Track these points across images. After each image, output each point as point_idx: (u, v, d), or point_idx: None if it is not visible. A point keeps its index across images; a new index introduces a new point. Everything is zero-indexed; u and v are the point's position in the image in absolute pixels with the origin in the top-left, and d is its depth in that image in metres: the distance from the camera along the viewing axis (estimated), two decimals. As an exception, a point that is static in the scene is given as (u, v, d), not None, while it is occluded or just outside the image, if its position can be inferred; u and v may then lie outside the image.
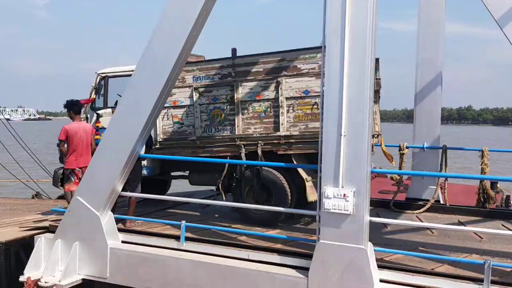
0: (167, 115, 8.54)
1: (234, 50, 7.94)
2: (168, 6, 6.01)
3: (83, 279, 6.45)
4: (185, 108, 8.37)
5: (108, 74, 9.52)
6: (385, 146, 8.01)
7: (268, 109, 7.75)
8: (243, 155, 7.84)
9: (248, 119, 7.86)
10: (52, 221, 7.63)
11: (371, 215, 5.11)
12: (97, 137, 8.74)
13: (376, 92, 8.25)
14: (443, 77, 9.05)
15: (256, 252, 5.87)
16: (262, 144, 7.69)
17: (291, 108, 7.61)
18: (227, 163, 7.84)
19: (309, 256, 5.35)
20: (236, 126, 7.92)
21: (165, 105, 8.06)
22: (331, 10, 5.09)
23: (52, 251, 6.55)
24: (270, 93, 7.69)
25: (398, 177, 9.27)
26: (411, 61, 10.60)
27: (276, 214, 7.36)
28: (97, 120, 9.41)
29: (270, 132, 7.68)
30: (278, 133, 7.62)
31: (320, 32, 5.30)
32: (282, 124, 7.59)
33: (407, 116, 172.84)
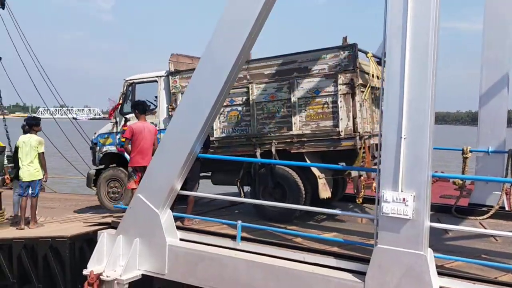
0: None
1: (249, 55, 8.01)
2: (227, 7, 6.08)
3: (142, 275, 6.64)
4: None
5: (135, 81, 10.00)
6: (448, 149, 7.80)
7: (282, 109, 8.01)
8: (258, 154, 8.12)
9: (263, 119, 8.14)
10: (114, 217, 7.92)
11: (431, 221, 4.96)
12: (123, 139, 9.12)
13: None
14: (510, 78, 8.65)
15: (311, 255, 5.83)
16: (276, 143, 7.94)
17: (303, 107, 7.87)
18: (247, 161, 8.04)
19: (366, 260, 5.25)
20: (251, 126, 8.24)
21: None
22: (392, 9, 4.98)
23: (114, 246, 6.79)
24: (283, 94, 7.96)
25: (461, 182, 8.94)
26: (476, 61, 10.26)
27: (291, 211, 7.58)
28: (125, 124, 9.88)
29: (283, 132, 7.93)
30: (291, 132, 7.86)
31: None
32: (294, 123, 7.84)
33: (471, 119, 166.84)
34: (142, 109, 8.32)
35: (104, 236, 7.06)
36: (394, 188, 4.92)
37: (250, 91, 8.23)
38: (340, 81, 7.48)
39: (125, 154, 9.43)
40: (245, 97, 8.31)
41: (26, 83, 17.78)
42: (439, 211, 8.33)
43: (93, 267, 6.77)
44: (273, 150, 7.92)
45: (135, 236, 6.69)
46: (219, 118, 8.50)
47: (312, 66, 7.71)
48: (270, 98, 8.11)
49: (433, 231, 5.03)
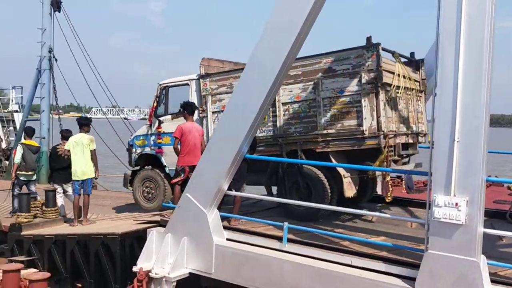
0: (218, 119, 9.14)
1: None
2: (276, 10, 6.09)
3: (190, 273, 6.74)
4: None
5: (168, 84, 10.26)
6: (503, 153, 7.53)
7: (307, 109, 8.13)
8: (284, 153, 8.27)
9: (289, 120, 8.29)
10: (163, 215, 8.08)
11: (485, 226, 4.80)
12: (159, 141, 10.19)
13: (423, 92, 8.99)
14: None
15: (359, 258, 5.76)
16: (302, 142, 8.07)
17: (327, 107, 7.97)
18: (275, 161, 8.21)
19: (416, 266, 5.14)
20: (277, 126, 8.40)
21: (215, 109, 9.27)
22: (445, 9, 4.85)
23: (163, 244, 6.92)
24: (308, 94, 8.10)
25: (516, 187, 8.61)
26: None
27: (316, 210, 7.57)
28: (159, 126, 10.24)
29: (308, 131, 8.05)
30: (316, 132, 7.97)
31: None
32: (319, 123, 7.95)
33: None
34: (191, 110, 8.50)
35: (153, 234, 7.21)
36: (446, 193, 4.79)
37: (278, 91, 8.19)
38: (363, 81, 7.53)
39: (160, 155, 10.11)
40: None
41: (80, 84, 18.42)
42: (493, 216, 8.03)
43: (142, 264, 6.93)
44: (299, 149, 8.07)
45: (183, 234, 6.80)
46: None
47: (337, 66, 7.81)
48: (295, 99, 8.24)
49: (486, 237, 4.86)
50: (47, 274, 7.76)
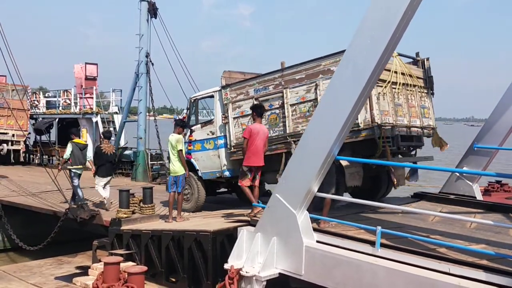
0: (237, 124, 10.30)
1: (282, 64, 9.54)
2: (371, 7, 5.92)
3: (279, 273, 6.75)
4: (249, 116, 9.75)
5: (197, 97, 11.58)
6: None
7: (311, 109, 8.92)
8: (293, 150, 8.38)
9: (296, 119, 9.19)
10: (253, 215, 8.17)
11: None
12: (190, 147, 11.17)
13: (430, 89, 9.73)
14: None
15: (457, 266, 5.47)
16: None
17: None
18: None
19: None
20: (287, 126, 9.31)
21: (235, 115, 10.33)
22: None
23: (253, 243, 7.00)
24: (311, 95, 8.98)
25: None
26: None
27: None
28: (190, 134, 11.28)
29: None
30: None
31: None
32: None
33: None
34: (260, 112, 8.98)
35: (243, 233, 7.31)
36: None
37: (285, 95, 9.33)
38: None
39: (193, 161, 11.04)
40: (281, 101, 9.46)
41: (173, 87, 19.18)
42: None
43: (233, 262, 7.06)
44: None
45: (273, 235, 6.83)
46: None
47: (334, 68, 8.30)
48: (301, 100, 9.13)
49: None
50: (144, 268, 8.17)
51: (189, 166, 10.81)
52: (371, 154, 8.53)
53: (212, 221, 9.29)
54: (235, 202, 12.24)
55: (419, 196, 10.05)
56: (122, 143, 21.23)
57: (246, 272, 6.75)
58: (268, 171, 9.36)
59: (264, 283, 6.68)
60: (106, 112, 24.18)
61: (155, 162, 19.56)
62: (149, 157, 19.19)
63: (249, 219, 8.14)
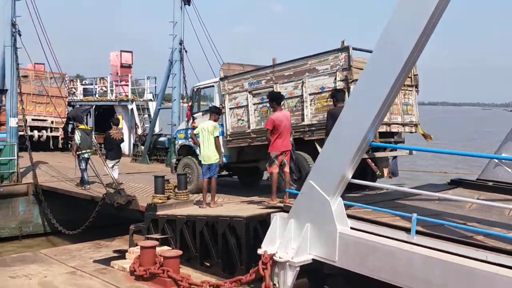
0: (233, 114, 11.14)
1: (274, 60, 10.33)
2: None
3: (313, 259, 6.76)
4: (244, 108, 10.79)
5: (200, 87, 12.58)
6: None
7: (297, 104, 9.74)
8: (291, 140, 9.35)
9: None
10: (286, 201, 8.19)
11: None
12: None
13: (415, 87, 10.18)
14: None
15: (495, 254, 5.32)
16: (293, 132, 9.32)
17: (312, 102, 9.51)
18: None
19: None
20: None
21: (231, 106, 11.15)
22: None
23: (286, 229, 7.03)
24: (298, 91, 9.72)
25: None
26: None
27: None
28: (193, 121, 12.23)
29: (298, 123, 9.61)
30: (303, 123, 9.60)
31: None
32: (306, 115, 9.56)
33: None
34: (279, 101, 9.11)
35: (276, 219, 7.34)
36: None
37: (275, 90, 9.92)
38: (338, 78, 9.01)
39: (194, 145, 11.53)
40: None
41: (206, 74, 19.24)
42: None
43: (266, 247, 7.10)
44: (291, 139, 9.12)
45: (306, 221, 6.83)
46: (254, 113, 10.59)
47: (319, 67, 9.36)
48: (289, 95, 9.80)
49: None
50: (179, 252, 8.31)
51: (190, 151, 12.28)
52: None
53: (245, 207, 9.35)
54: (237, 185, 13.13)
55: (456, 183, 9.85)
56: (156, 130, 21.51)
57: (280, 258, 6.79)
58: (260, 159, 10.20)
59: (298, 268, 6.70)
60: (141, 99, 24.54)
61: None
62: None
63: (282, 205, 8.17)
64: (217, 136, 9.90)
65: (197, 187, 11.56)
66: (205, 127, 9.87)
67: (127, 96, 24.30)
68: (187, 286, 7.59)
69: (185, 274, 7.92)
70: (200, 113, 12.17)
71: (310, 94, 9.53)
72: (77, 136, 13.42)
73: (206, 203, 9.81)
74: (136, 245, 9.02)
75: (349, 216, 6.72)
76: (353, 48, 8.96)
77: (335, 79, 9.05)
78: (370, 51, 8.68)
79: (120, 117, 23.69)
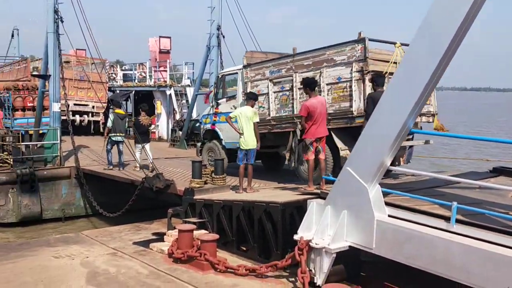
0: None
1: (294, 49, 10.57)
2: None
3: (349, 246, 6.73)
4: (265, 96, 11.07)
5: (225, 73, 13.14)
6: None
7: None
8: (298, 130, 10.01)
9: (302, 102, 9.64)
10: (323, 188, 8.15)
11: None
12: (215, 118, 12.87)
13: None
14: None
15: (539, 245, 5.19)
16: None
17: (329, 91, 9.69)
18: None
19: None
20: (294, 107, 10.32)
21: None
22: None
23: (323, 216, 7.01)
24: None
25: None
26: None
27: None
28: (216, 107, 12.84)
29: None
30: None
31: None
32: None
33: None
34: (314, 87, 9.05)
35: (313, 206, 7.34)
36: None
37: (294, 79, 10.28)
38: (354, 69, 9.16)
39: (218, 131, 12.71)
40: (291, 84, 10.44)
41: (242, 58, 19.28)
42: None
43: (302, 233, 7.12)
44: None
45: (343, 208, 6.80)
46: (274, 101, 10.88)
47: (337, 57, 9.54)
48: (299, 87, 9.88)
49: None
50: (216, 236, 8.43)
51: (214, 135, 12.95)
52: None
53: (281, 193, 9.38)
54: (260, 169, 13.33)
55: (498, 171, 9.62)
56: (194, 115, 21.72)
57: (316, 244, 6.79)
58: (280, 145, 10.58)
59: (334, 255, 6.69)
60: (179, 85, 24.79)
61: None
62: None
63: (318, 192, 8.15)
64: (257, 122, 9.92)
65: (222, 169, 11.61)
66: (243, 112, 9.89)
67: (165, 81, 24.59)
68: (223, 269, 7.69)
69: (221, 258, 8.04)
70: (224, 99, 12.72)
71: (327, 84, 9.72)
72: (110, 119, 14.39)
73: (242, 189, 9.89)
74: (174, 228, 9.20)
75: (387, 204, 6.65)
76: (370, 39, 9.05)
77: (351, 70, 9.21)
78: (388, 42, 9.54)
79: (158, 102, 24.04)
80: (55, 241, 9.96)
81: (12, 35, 32.37)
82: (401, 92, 6.17)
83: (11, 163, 15.12)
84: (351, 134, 9.11)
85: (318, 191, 8.34)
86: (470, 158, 22.56)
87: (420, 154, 12.03)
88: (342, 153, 9.39)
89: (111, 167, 14.61)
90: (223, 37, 19.33)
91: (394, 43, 9.29)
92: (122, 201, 13.11)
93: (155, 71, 26.27)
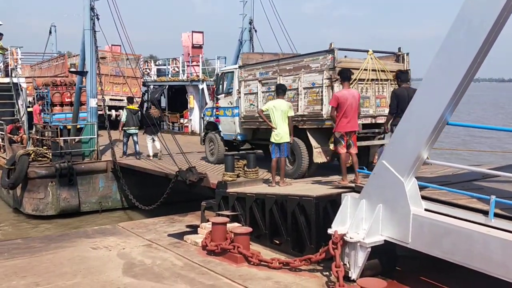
0: (247, 99, 12.73)
1: (279, 55, 13.04)
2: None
3: (385, 240, 6.66)
4: (255, 95, 12.33)
5: (224, 71, 14.37)
6: None
7: (294, 96, 11.04)
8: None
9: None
10: (357, 182, 8.07)
11: None
12: (217, 112, 14.05)
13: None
14: None
15: None
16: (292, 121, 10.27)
17: (305, 95, 10.83)
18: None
19: None
20: None
21: (245, 92, 12.73)
22: None
23: (357, 210, 6.95)
24: (295, 84, 11.04)
25: None
26: None
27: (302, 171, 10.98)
28: (217, 102, 14.06)
29: (295, 112, 10.46)
30: (297, 113, 10.78)
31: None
32: (300, 106, 10.92)
33: None
34: (346, 76, 9.07)
35: (347, 199, 7.27)
36: None
37: (278, 81, 11.35)
38: (325, 77, 10.29)
39: (217, 123, 14.02)
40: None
41: (275, 50, 19.23)
42: None
43: (337, 227, 7.06)
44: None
45: (378, 202, 6.72)
46: (262, 100, 11.95)
47: (312, 64, 10.69)
48: (289, 87, 10.82)
49: None
50: (249, 229, 8.47)
51: (215, 127, 14.22)
52: None
53: (314, 187, 9.33)
54: (261, 158, 13.54)
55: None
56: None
57: (351, 238, 6.73)
58: (268, 138, 10.59)
59: (369, 249, 6.62)
60: (212, 79, 24.92)
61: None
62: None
63: (353, 185, 8.08)
64: (292, 116, 9.94)
65: (218, 158, 13.87)
66: (277, 105, 9.84)
67: (198, 76, 24.77)
68: (257, 262, 7.72)
69: (255, 251, 8.07)
70: (223, 95, 13.94)
71: (304, 88, 10.85)
72: (124, 115, 16.00)
73: (275, 182, 9.89)
74: (208, 221, 9.29)
75: (424, 197, 6.54)
76: (340, 49, 10.27)
77: (323, 77, 10.32)
78: (360, 50, 11.03)
79: (191, 97, 24.26)
80: (93, 233, 10.20)
81: (50, 32, 33.20)
82: (438, 84, 6.04)
83: (50, 157, 15.51)
84: (323, 134, 10.68)
85: (353, 184, 8.28)
86: (495, 151, 22.11)
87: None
88: (315, 150, 10.61)
89: (125, 156, 16.06)
90: (255, 31, 19.33)
91: (367, 51, 10.61)
92: (156, 194, 13.34)
93: (188, 65, 26.49)
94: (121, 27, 15.34)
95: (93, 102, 16.42)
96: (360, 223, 6.88)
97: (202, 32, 27.62)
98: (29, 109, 20.89)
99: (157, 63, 31.04)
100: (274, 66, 11.77)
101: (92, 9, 15.89)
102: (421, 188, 6.63)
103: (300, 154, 10.87)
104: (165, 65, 29.48)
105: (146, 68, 28.79)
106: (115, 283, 7.14)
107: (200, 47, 27.23)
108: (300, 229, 8.25)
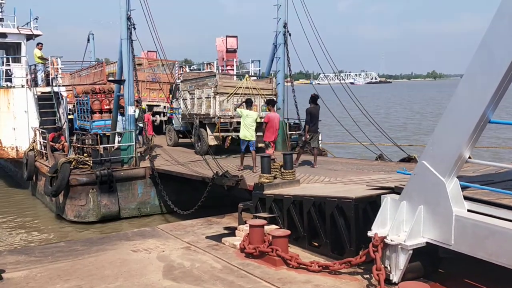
0: (184, 103, 19.21)
1: (197, 75, 22.64)
2: None
3: (427, 242, 6.51)
4: (188, 100, 19.17)
5: (176, 84, 21.57)
6: None
7: (201, 103, 18.03)
8: (195, 123, 17.63)
9: (198, 107, 18.38)
10: (397, 182, 7.91)
11: None
12: (171, 111, 21.63)
13: (274, 95, 18.07)
14: None
15: None
16: (198, 118, 17.81)
17: (205, 102, 17.81)
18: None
19: None
20: (195, 109, 18.59)
21: (184, 98, 19.36)
22: None
23: (398, 211, 6.81)
24: (202, 95, 17.92)
25: None
26: None
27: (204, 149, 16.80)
28: (171, 104, 21.46)
29: (201, 112, 17.96)
30: (201, 112, 17.91)
31: None
32: (203, 109, 17.88)
33: None
34: (272, 103, 14.46)
35: (387, 201, 7.14)
36: None
37: (195, 93, 18.54)
38: (212, 91, 17.15)
39: (172, 119, 21.81)
40: (194, 96, 18.63)
41: (310, 57, 19.15)
42: None
43: (377, 229, 6.94)
44: (197, 121, 17.48)
45: (419, 203, 6.57)
46: (190, 104, 18.94)
47: (209, 83, 17.72)
48: (197, 97, 18.21)
49: None
50: (287, 232, 8.41)
51: (170, 121, 21.70)
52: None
53: (353, 188, 9.21)
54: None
55: None
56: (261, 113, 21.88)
57: (391, 241, 6.61)
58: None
59: (410, 252, 6.48)
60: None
61: (293, 132, 19.85)
62: (287, 127, 19.53)
63: (393, 186, 7.93)
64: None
65: (173, 143, 21.08)
66: (250, 114, 13.89)
67: (232, 80, 24.90)
68: (296, 265, 7.67)
69: (293, 253, 8.00)
70: (175, 100, 20.89)
71: (205, 97, 17.65)
72: (137, 112, 17.92)
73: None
74: (245, 222, 9.29)
75: (466, 198, 6.36)
76: (222, 74, 19.62)
77: (212, 91, 17.16)
78: (239, 75, 19.50)
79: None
80: (132, 235, 10.35)
81: (88, 40, 34.01)
82: (478, 81, 5.87)
83: (91, 164, 15.86)
84: (213, 127, 17.29)
85: (393, 185, 8.12)
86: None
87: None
88: (209, 138, 17.24)
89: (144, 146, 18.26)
90: (290, 34, 19.27)
91: (244, 75, 18.38)
92: (192, 198, 13.46)
93: (222, 69, 26.68)
94: (156, 35, 15.59)
95: (131, 110, 16.69)
96: (401, 225, 6.75)
97: (236, 37, 27.80)
98: (69, 116, 21.42)
99: (192, 68, 31.39)
100: (194, 82, 18.92)
101: (128, 18, 16.18)
102: (463, 188, 6.45)
103: (203, 138, 17.14)
104: (200, 69, 29.78)
105: (181, 74, 29.15)
106: (156, 286, 7.23)
107: (235, 51, 27.42)
108: (339, 231, 8.13)
